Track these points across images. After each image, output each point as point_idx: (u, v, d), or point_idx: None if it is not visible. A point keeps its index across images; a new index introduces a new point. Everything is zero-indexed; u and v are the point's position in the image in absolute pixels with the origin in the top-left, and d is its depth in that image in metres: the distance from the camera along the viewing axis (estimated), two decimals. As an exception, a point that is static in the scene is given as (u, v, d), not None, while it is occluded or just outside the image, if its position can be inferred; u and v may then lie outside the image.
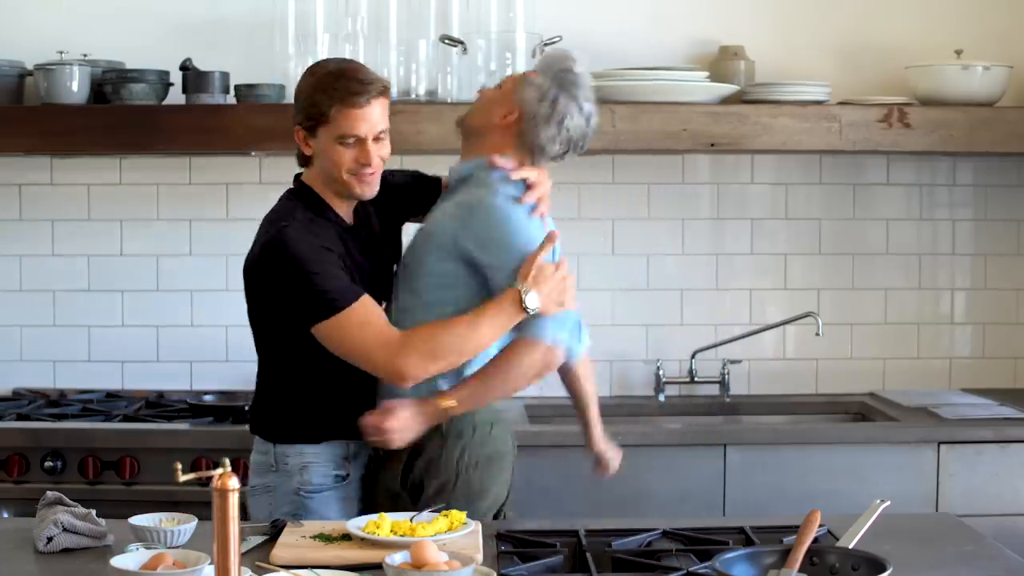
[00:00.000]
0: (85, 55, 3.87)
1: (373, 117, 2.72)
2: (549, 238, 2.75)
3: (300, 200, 2.82)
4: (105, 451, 3.54)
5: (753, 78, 4.03)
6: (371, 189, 2.79)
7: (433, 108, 3.80)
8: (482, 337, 2.71)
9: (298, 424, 2.81)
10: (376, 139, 2.74)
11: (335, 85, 2.70)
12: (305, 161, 2.85)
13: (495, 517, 2.83)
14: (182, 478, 2.01)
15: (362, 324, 2.68)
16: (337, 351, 2.71)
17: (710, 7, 4.15)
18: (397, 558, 2.19)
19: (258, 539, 2.48)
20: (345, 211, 2.85)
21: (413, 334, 2.70)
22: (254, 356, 2.92)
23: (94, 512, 2.50)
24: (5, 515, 3.46)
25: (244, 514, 2.39)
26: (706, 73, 3.95)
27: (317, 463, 2.81)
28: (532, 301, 2.68)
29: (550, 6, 3.96)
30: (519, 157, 2.86)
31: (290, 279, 2.67)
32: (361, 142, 2.72)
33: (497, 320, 2.70)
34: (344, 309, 2.66)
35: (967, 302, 4.29)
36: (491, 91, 2.96)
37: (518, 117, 2.83)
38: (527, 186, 2.81)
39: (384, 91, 2.75)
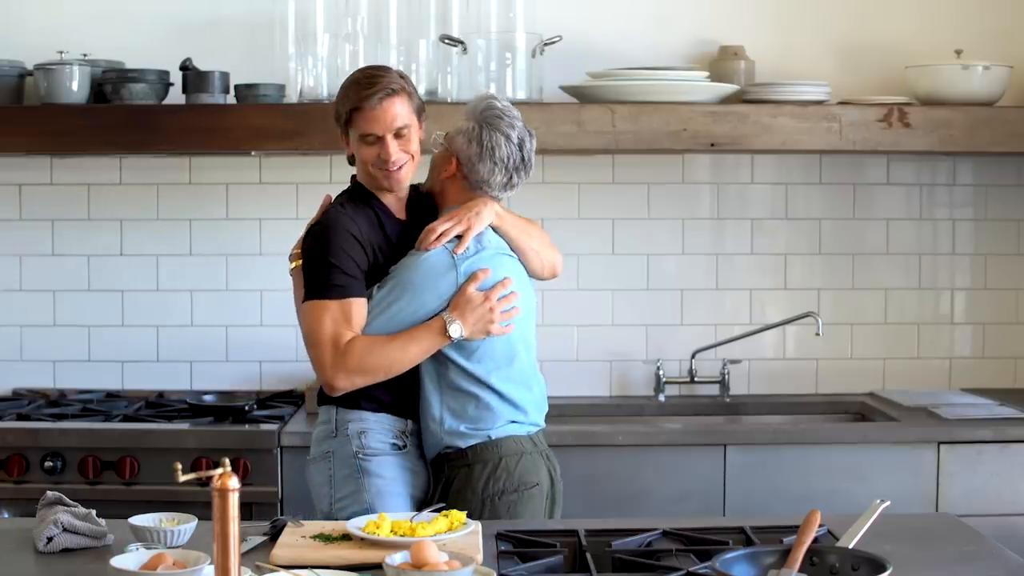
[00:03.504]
0: (85, 55, 3.86)
1: (386, 116, 2.92)
2: (474, 277, 2.91)
3: (350, 193, 3.06)
4: (105, 451, 3.54)
5: (753, 78, 4.03)
6: (399, 183, 3.00)
7: (433, 108, 3.77)
8: (411, 357, 2.91)
9: (360, 392, 2.94)
10: (398, 135, 2.94)
11: (350, 91, 2.95)
12: (352, 160, 3.06)
13: None
14: (182, 478, 2.01)
15: (329, 320, 2.88)
16: (302, 331, 2.94)
17: (710, 7, 4.15)
18: (397, 558, 2.19)
19: (258, 539, 2.49)
20: (395, 205, 3.04)
21: (351, 347, 2.87)
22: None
23: (94, 512, 2.51)
24: (5, 515, 3.45)
25: (247, 513, 2.39)
26: (706, 73, 3.95)
27: (375, 430, 2.97)
28: (455, 330, 2.88)
29: (550, 6, 3.96)
30: (472, 197, 3.02)
31: (312, 252, 2.94)
32: (380, 140, 2.93)
33: (423, 344, 2.90)
34: (325, 299, 2.88)
35: (967, 302, 4.29)
36: (436, 154, 3.10)
37: (457, 165, 3.02)
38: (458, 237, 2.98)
39: (396, 91, 2.93)
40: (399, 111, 2.93)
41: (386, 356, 2.88)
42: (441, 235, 2.93)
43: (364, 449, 2.95)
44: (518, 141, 3.00)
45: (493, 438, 2.94)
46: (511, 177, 3.02)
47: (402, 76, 2.99)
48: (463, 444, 2.93)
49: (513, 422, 2.97)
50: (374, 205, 3.01)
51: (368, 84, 2.92)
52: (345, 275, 2.89)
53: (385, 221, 3.01)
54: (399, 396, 2.98)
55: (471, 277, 2.91)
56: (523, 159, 3.02)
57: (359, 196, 3.03)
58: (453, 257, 2.92)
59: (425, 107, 3.04)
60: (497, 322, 2.90)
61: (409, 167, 2.99)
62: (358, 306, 2.90)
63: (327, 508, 2.94)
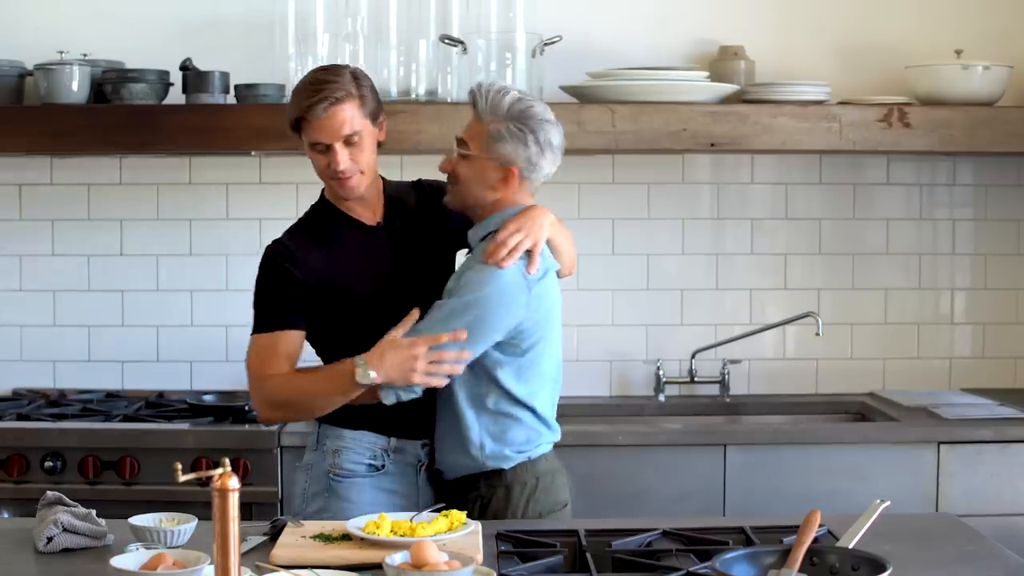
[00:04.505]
0: (85, 55, 3.86)
1: (333, 124, 2.78)
2: (407, 319, 2.78)
3: (310, 211, 2.97)
4: (105, 451, 3.54)
5: (753, 78, 4.03)
6: (352, 191, 2.86)
7: (433, 108, 3.80)
8: (319, 398, 2.80)
9: (345, 406, 2.83)
10: (348, 142, 2.80)
11: (297, 97, 2.82)
12: None
13: None
14: (182, 478, 2.01)
15: (254, 354, 2.83)
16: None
17: (710, 7, 4.15)
18: (397, 558, 2.19)
19: (258, 539, 2.48)
20: (367, 212, 2.94)
21: (270, 381, 2.80)
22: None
23: (94, 512, 2.50)
24: (5, 515, 3.45)
25: (247, 513, 2.39)
26: (706, 73, 3.95)
27: (351, 448, 2.88)
28: (363, 376, 2.70)
29: (550, 6, 3.96)
30: (529, 199, 2.88)
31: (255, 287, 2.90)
32: (329, 147, 2.80)
33: (331, 385, 2.78)
34: (257, 332, 2.84)
35: (967, 302, 4.29)
36: (461, 167, 2.86)
37: (516, 171, 2.81)
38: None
39: (341, 98, 2.78)
40: (347, 117, 2.78)
41: (299, 391, 2.80)
42: (513, 250, 2.76)
43: (336, 469, 2.86)
44: (555, 120, 2.85)
45: (532, 458, 2.88)
46: (558, 161, 2.89)
47: (356, 77, 2.83)
48: (506, 466, 2.85)
49: (547, 440, 2.93)
50: (336, 220, 2.91)
51: (313, 91, 2.78)
52: (273, 309, 2.82)
53: (348, 234, 2.90)
54: (382, 411, 2.81)
55: (402, 322, 2.76)
56: (562, 136, 2.87)
57: (319, 213, 2.94)
58: (526, 278, 2.78)
59: (383, 108, 2.89)
60: (420, 372, 2.70)
61: (363, 179, 2.86)
62: (287, 338, 2.81)
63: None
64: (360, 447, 2.88)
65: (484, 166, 2.83)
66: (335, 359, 2.82)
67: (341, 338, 2.87)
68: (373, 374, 2.70)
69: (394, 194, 3.00)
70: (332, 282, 2.85)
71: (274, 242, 2.90)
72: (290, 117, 2.83)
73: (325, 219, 2.93)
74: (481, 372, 2.82)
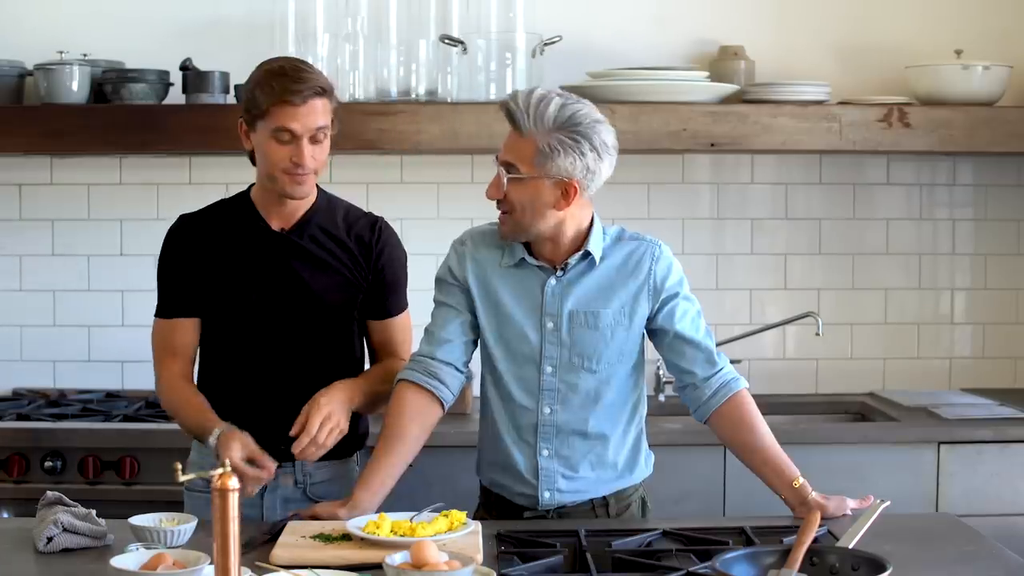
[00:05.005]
0: (85, 55, 3.87)
1: (309, 115, 2.71)
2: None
3: (229, 200, 2.94)
4: (105, 451, 3.54)
5: (753, 78, 4.03)
6: (302, 190, 2.79)
7: (433, 108, 3.80)
8: (183, 423, 2.85)
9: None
10: (313, 140, 2.74)
11: (273, 82, 2.72)
12: (253, 160, 2.87)
13: None
14: (182, 478, 2.02)
15: (160, 341, 2.89)
16: None
17: (710, 7, 4.15)
18: (397, 558, 2.19)
19: (258, 539, 2.48)
20: (279, 218, 2.86)
21: (162, 379, 2.86)
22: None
23: (94, 512, 2.50)
24: (5, 515, 3.45)
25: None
26: (706, 73, 3.95)
27: (198, 464, 2.88)
28: (212, 440, 2.69)
29: (550, 6, 3.96)
30: (587, 210, 2.71)
31: None
32: (296, 140, 2.72)
33: (193, 423, 2.80)
34: (157, 316, 2.90)
35: (967, 302, 4.29)
36: (513, 193, 2.62)
37: (576, 183, 2.60)
38: None
39: (323, 92, 2.74)
40: (322, 111, 2.73)
41: (173, 406, 2.86)
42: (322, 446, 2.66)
43: (187, 484, 2.87)
44: (603, 117, 2.65)
45: None
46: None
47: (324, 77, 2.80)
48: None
49: None
50: (246, 218, 2.86)
51: (297, 78, 2.70)
52: (170, 292, 2.88)
53: (250, 236, 2.84)
54: (242, 421, 2.74)
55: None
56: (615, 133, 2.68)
57: (233, 206, 2.89)
58: None
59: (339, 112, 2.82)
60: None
61: (313, 180, 2.79)
62: (181, 328, 2.86)
63: None
64: (207, 462, 2.78)
65: (539, 187, 2.59)
66: (211, 356, 2.89)
67: (219, 339, 2.87)
68: (216, 441, 2.69)
69: (324, 210, 2.89)
70: (220, 277, 2.83)
71: (182, 217, 2.91)
72: (262, 102, 2.72)
73: (236, 213, 2.88)
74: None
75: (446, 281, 2.77)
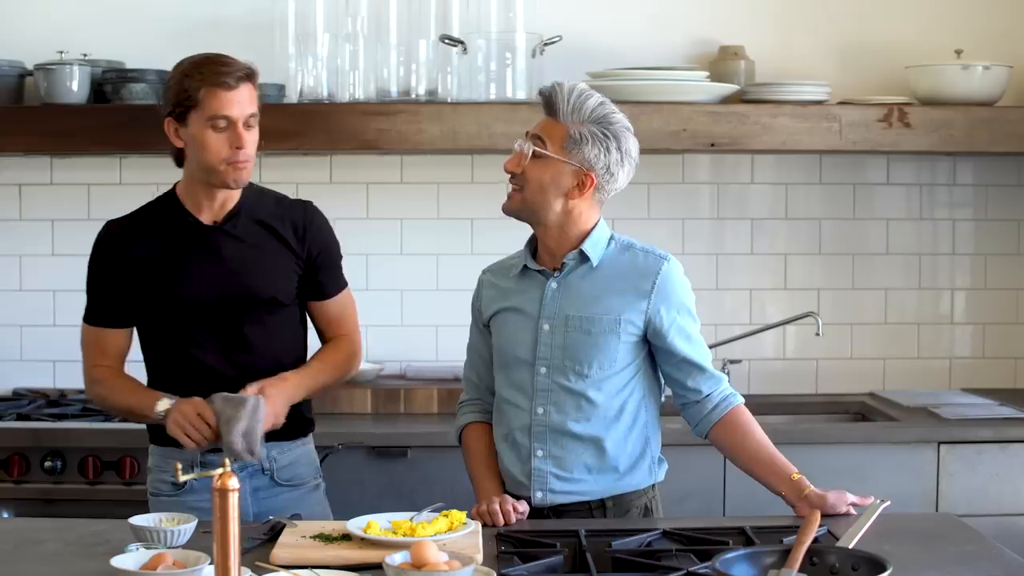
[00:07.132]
0: (85, 55, 3.87)
1: (242, 99, 2.72)
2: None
3: (156, 201, 2.92)
4: (105, 451, 3.54)
5: (753, 78, 4.03)
6: (244, 177, 2.78)
7: (433, 108, 3.80)
8: (126, 411, 2.91)
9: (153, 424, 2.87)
10: (246, 125, 2.74)
11: (201, 69, 2.72)
12: (180, 160, 2.85)
13: None
14: (182, 478, 2.02)
15: (89, 345, 2.97)
16: None
17: (710, 7, 4.15)
18: (397, 558, 2.19)
19: (258, 539, 2.48)
20: (209, 212, 2.85)
21: (96, 371, 2.93)
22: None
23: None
24: (5, 515, 3.45)
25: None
26: (706, 73, 3.95)
27: (159, 467, 2.89)
28: (163, 405, 2.76)
29: (550, 6, 3.96)
30: (595, 212, 2.75)
31: None
32: (232, 125, 2.72)
33: (137, 402, 2.85)
34: (85, 322, 2.97)
35: (967, 302, 4.29)
36: (533, 168, 2.65)
37: (594, 177, 2.66)
38: None
39: (250, 76, 2.75)
40: (251, 96, 2.74)
41: (113, 398, 2.92)
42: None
43: (150, 488, 2.90)
44: (629, 127, 2.72)
45: None
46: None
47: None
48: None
49: None
50: (175, 215, 2.84)
51: (224, 64, 2.71)
52: (99, 300, 2.93)
53: (182, 232, 2.84)
54: None
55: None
56: (639, 149, 2.75)
57: (160, 206, 2.88)
58: None
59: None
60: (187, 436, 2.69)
61: (251, 167, 2.78)
62: (112, 337, 2.93)
63: None
64: (167, 464, 2.83)
65: (559, 169, 2.64)
66: (157, 356, 2.91)
67: (162, 338, 2.89)
68: (167, 408, 2.74)
69: (253, 199, 2.89)
70: (155, 278, 2.83)
71: (108, 224, 2.90)
72: (192, 91, 2.69)
73: (164, 212, 2.87)
74: None
75: (473, 312, 2.89)
